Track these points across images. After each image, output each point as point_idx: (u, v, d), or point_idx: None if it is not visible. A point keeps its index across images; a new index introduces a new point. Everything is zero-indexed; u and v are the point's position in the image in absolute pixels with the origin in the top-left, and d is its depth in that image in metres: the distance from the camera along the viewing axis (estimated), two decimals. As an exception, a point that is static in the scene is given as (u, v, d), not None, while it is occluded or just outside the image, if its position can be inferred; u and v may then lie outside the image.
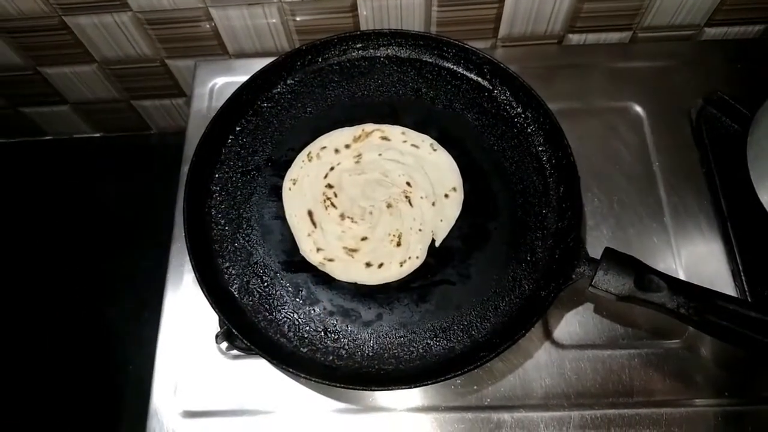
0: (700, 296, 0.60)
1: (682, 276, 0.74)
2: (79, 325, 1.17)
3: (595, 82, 0.86)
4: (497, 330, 0.67)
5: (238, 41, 0.93)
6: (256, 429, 0.68)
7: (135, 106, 1.14)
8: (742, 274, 0.72)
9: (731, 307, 0.59)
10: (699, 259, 0.75)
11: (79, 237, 1.22)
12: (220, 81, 0.89)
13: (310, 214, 0.74)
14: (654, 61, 0.88)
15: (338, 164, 0.76)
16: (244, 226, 0.73)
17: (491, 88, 0.79)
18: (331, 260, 0.71)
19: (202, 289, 0.65)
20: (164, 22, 0.89)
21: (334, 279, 0.70)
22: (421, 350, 0.67)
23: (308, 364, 0.65)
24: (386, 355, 0.67)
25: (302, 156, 0.77)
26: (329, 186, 0.75)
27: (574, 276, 0.64)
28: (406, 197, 0.74)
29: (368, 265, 0.71)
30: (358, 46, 0.81)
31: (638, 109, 0.84)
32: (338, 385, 0.62)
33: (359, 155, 0.77)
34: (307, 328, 0.68)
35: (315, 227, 0.73)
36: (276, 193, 0.75)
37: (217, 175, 0.76)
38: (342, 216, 0.74)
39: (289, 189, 0.75)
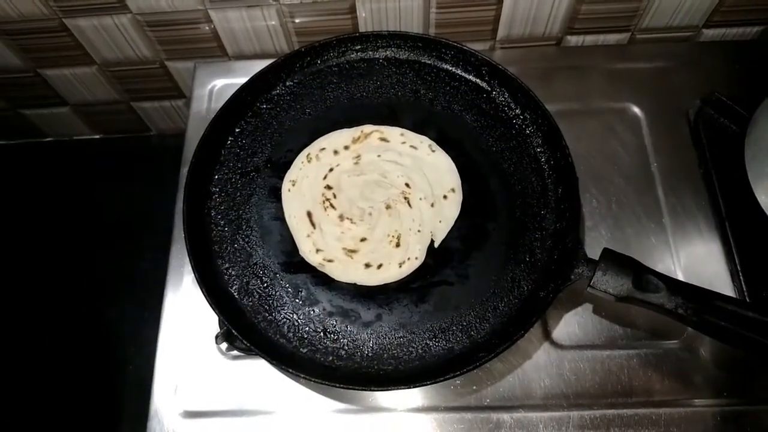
0: (698, 297, 0.60)
1: (680, 276, 0.74)
2: (79, 326, 1.17)
3: (593, 84, 0.87)
4: (496, 330, 0.67)
5: (237, 43, 0.93)
6: (256, 429, 0.68)
7: (135, 107, 1.14)
8: (740, 274, 0.72)
9: (729, 307, 0.59)
10: (697, 259, 0.75)
11: (79, 238, 1.22)
12: (219, 83, 0.89)
13: (309, 215, 0.74)
14: (652, 63, 0.88)
15: (337, 165, 0.76)
16: (244, 227, 0.73)
17: (490, 89, 0.79)
18: (330, 261, 0.71)
19: (201, 290, 0.65)
20: (163, 24, 0.89)
21: (333, 280, 0.71)
22: (420, 351, 0.67)
23: (308, 365, 0.65)
24: (385, 355, 0.67)
25: (301, 157, 0.77)
26: (328, 187, 0.75)
27: (572, 277, 0.64)
28: (405, 198, 0.74)
29: (367, 265, 0.71)
30: (356, 47, 0.81)
31: (636, 110, 0.85)
32: (338, 385, 0.63)
33: (358, 156, 0.77)
34: (307, 328, 0.68)
35: (314, 228, 0.73)
36: (275, 194, 0.75)
37: (216, 177, 0.76)
38: (341, 217, 0.74)
39: (288, 190, 0.75)
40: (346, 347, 0.67)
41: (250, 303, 0.69)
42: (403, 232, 0.73)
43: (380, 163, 0.76)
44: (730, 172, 0.76)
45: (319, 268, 0.71)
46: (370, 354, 0.67)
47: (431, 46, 0.80)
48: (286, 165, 0.77)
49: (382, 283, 0.70)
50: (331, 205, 0.74)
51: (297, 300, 0.70)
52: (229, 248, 0.72)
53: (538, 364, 0.70)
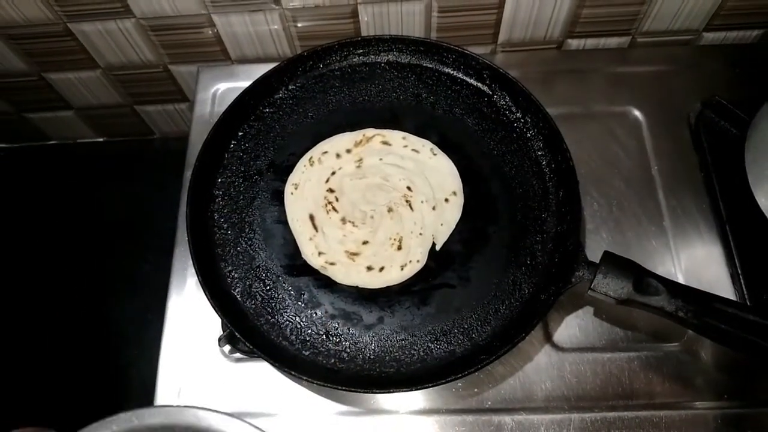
0: (698, 299, 0.61)
1: (681, 279, 0.74)
2: (82, 328, 1.17)
3: (594, 87, 0.87)
4: (497, 333, 0.68)
5: (240, 47, 0.94)
6: None
7: (138, 111, 1.15)
8: (740, 277, 0.72)
9: (730, 310, 0.60)
10: (698, 262, 0.75)
11: (83, 241, 1.23)
12: (222, 86, 0.90)
13: (311, 218, 0.74)
14: (653, 66, 0.89)
15: (339, 169, 0.77)
16: (247, 230, 0.74)
17: (491, 93, 0.80)
18: (332, 264, 0.72)
19: (205, 293, 0.66)
20: (167, 29, 0.90)
21: (335, 282, 0.71)
22: (422, 353, 0.67)
23: (310, 367, 0.66)
24: (387, 358, 0.67)
25: (304, 161, 0.77)
26: (330, 190, 0.76)
27: (573, 279, 0.65)
28: (407, 201, 0.75)
29: (369, 268, 0.71)
30: (359, 51, 0.82)
31: (637, 113, 0.85)
32: (340, 387, 0.63)
33: (360, 160, 0.77)
34: (309, 331, 0.68)
35: (316, 231, 0.73)
36: (278, 197, 0.76)
37: (219, 180, 0.76)
38: (343, 220, 0.74)
39: (291, 193, 0.76)
40: (348, 350, 0.68)
41: (253, 306, 0.70)
42: (405, 235, 0.73)
43: (382, 166, 0.77)
44: (730, 175, 0.76)
45: (321, 271, 0.72)
46: (372, 356, 0.67)
47: (433, 50, 0.81)
48: (289, 168, 0.77)
49: (383, 285, 0.71)
50: (334, 209, 0.75)
51: (299, 303, 0.70)
52: (232, 251, 0.73)
53: (539, 367, 0.70)
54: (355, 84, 0.82)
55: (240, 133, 0.79)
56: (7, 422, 0.57)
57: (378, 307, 0.70)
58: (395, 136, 0.79)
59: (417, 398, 0.70)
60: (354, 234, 0.74)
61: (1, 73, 1.01)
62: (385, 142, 0.78)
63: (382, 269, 0.71)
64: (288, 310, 0.70)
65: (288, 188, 0.76)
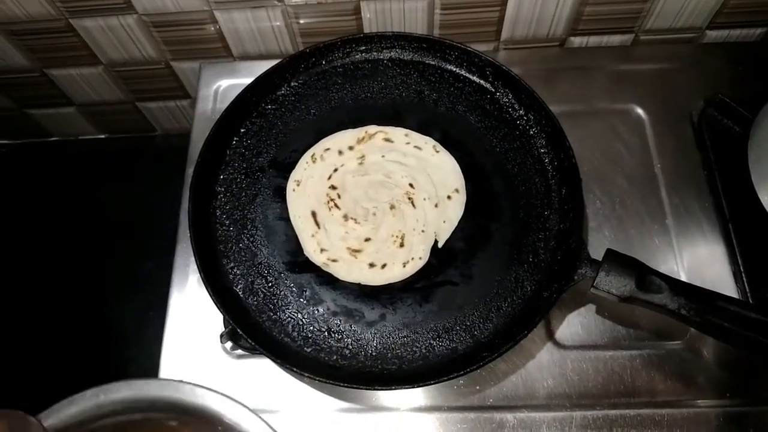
0: (701, 297, 0.61)
1: (683, 277, 0.74)
2: (83, 325, 1.17)
3: (597, 85, 0.87)
4: (500, 331, 0.68)
5: (242, 44, 0.94)
6: (260, 428, 0.68)
7: (140, 107, 1.15)
8: (743, 275, 0.72)
9: (732, 308, 0.60)
10: (700, 260, 0.75)
11: (84, 238, 1.23)
12: (224, 83, 0.90)
13: (313, 215, 0.74)
14: (656, 64, 0.89)
15: (342, 166, 0.77)
16: (249, 226, 0.74)
17: (494, 90, 0.80)
18: (334, 261, 0.71)
19: (207, 289, 0.66)
20: (169, 25, 0.90)
21: (337, 279, 0.71)
22: (424, 350, 0.67)
23: (312, 364, 0.66)
24: (389, 355, 0.67)
25: (306, 157, 0.77)
26: (333, 187, 0.76)
27: (576, 277, 0.64)
28: (409, 199, 0.75)
29: (371, 265, 0.71)
30: (361, 48, 0.82)
31: (640, 111, 0.85)
32: (342, 384, 0.63)
33: (362, 157, 0.77)
34: (311, 328, 0.68)
35: (319, 228, 0.73)
36: (280, 194, 0.76)
37: (221, 177, 0.76)
38: (345, 217, 0.74)
39: (293, 190, 0.76)
40: (350, 347, 0.68)
41: (255, 302, 0.70)
42: (407, 232, 0.73)
43: (384, 163, 0.77)
44: (733, 173, 0.76)
45: (323, 268, 0.71)
46: (374, 353, 0.67)
47: (435, 47, 0.80)
48: (291, 165, 0.77)
49: (386, 282, 0.71)
50: (336, 205, 0.75)
51: (301, 299, 0.70)
52: (234, 248, 0.73)
53: (541, 365, 0.70)
54: (357, 81, 0.82)
55: (242, 130, 0.79)
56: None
57: (380, 304, 0.70)
58: (398, 133, 0.78)
59: (419, 395, 0.70)
60: (356, 231, 0.73)
61: (2, 69, 1.00)
62: (387, 139, 0.78)
63: (384, 266, 0.71)
64: (290, 307, 0.70)
65: (290, 185, 0.76)
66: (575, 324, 0.72)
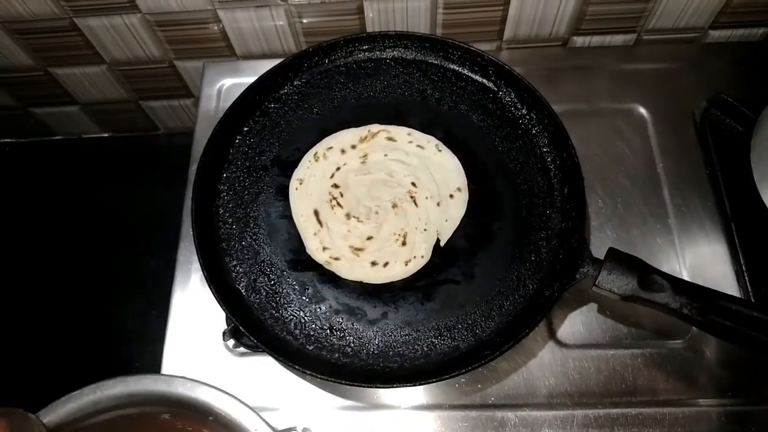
0: (703, 296, 0.61)
1: (685, 277, 0.74)
2: (86, 323, 1.18)
3: (599, 84, 0.87)
4: (501, 329, 0.68)
5: (245, 43, 0.94)
6: (262, 425, 0.68)
7: (143, 106, 1.15)
8: (745, 274, 0.73)
9: (734, 307, 0.60)
10: (703, 260, 0.75)
11: (87, 236, 1.23)
12: (227, 82, 0.90)
13: (316, 213, 0.74)
14: (658, 63, 0.89)
15: (344, 164, 0.77)
16: (252, 225, 0.74)
17: (496, 89, 0.80)
18: (337, 259, 0.72)
19: (210, 287, 0.66)
20: (173, 24, 0.90)
21: (339, 278, 0.71)
22: (425, 348, 0.67)
23: (314, 362, 0.66)
24: (391, 353, 0.67)
25: (309, 156, 0.78)
26: (335, 186, 0.76)
27: (578, 276, 0.64)
28: (411, 197, 0.75)
29: (374, 264, 0.72)
30: (364, 47, 0.82)
31: (642, 110, 0.85)
32: (344, 382, 0.63)
33: (365, 156, 0.77)
34: (313, 326, 0.69)
35: (321, 226, 0.73)
36: (283, 192, 0.76)
37: (224, 175, 0.77)
38: (348, 215, 0.74)
39: (296, 188, 0.76)
40: (352, 345, 0.68)
41: (258, 300, 0.70)
42: (409, 231, 0.73)
43: (387, 162, 0.77)
44: (735, 173, 0.76)
45: (325, 266, 0.72)
46: (375, 351, 0.67)
47: (438, 47, 0.81)
48: (294, 164, 0.77)
49: (388, 281, 0.71)
50: (338, 204, 0.75)
51: (304, 297, 0.70)
52: (236, 246, 0.73)
53: (543, 363, 0.70)
54: (360, 80, 0.82)
55: (245, 129, 0.79)
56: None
57: (382, 302, 0.70)
58: (400, 132, 0.79)
59: (420, 393, 0.70)
60: (358, 229, 0.74)
61: (7, 67, 1.01)
62: (390, 138, 0.78)
63: (386, 265, 0.71)
64: (292, 305, 0.70)
65: (293, 183, 0.76)
66: (577, 323, 0.73)
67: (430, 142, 0.78)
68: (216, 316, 0.72)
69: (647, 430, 0.67)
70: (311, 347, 0.68)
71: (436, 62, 0.82)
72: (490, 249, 0.72)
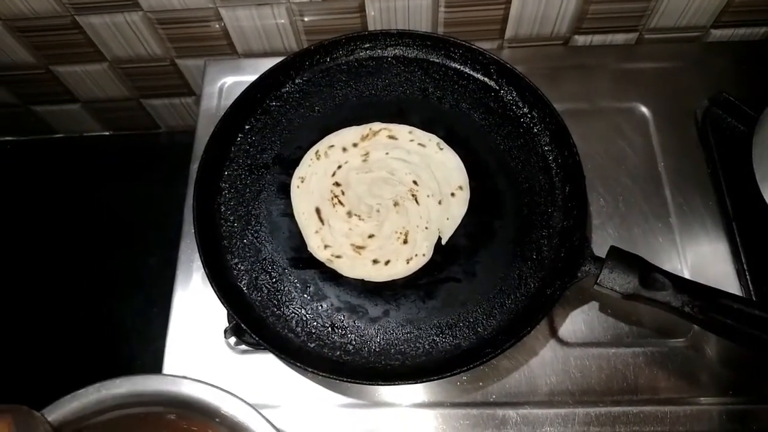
0: (704, 295, 0.61)
1: (687, 275, 0.74)
2: (88, 321, 1.18)
3: (601, 83, 0.87)
4: (503, 327, 0.68)
5: (247, 41, 0.94)
6: (263, 423, 0.68)
7: (145, 104, 1.15)
8: (746, 273, 0.72)
9: (736, 305, 0.60)
10: (704, 258, 0.75)
11: (88, 234, 1.23)
12: (229, 80, 0.90)
13: (317, 211, 0.74)
14: (660, 62, 0.89)
15: (346, 162, 0.77)
16: (253, 222, 0.74)
17: (498, 88, 0.80)
18: (338, 257, 0.72)
19: (211, 285, 0.66)
20: (174, 22, 0.90)
21: (341, 275, 0.71)
22: (427, 346, 0.67)
23: (316, 359, 0.66)
24: (393, 350, 0.67)
25: (310, 154, 0.78)
26: (337, 184, 0.76)
27: (579, 274, 0.65)
28: (413, 195, 0.75)
29: (375, 262, 0.72)
30: (365, 46, 0.82)
31: (644, 109, 0.85)
32: (345, 379, 0.63)
33: (366, 154, 0.77)
34: (315, 323, 0.69)
35: (322, 224, 0.74)
36: (284, 190, 0.76)
37: (226, 173, 0.77)
38: (349, 213, 0.74)
39: (297, 187, 0.76)
40: (353, 342, 0.68)
41: (259, 298, 0.70)
42: (411, 229, 0.73)
43: (388, 160, 0.77)
44: (737, 171, 0.76)
45: (327, 264, 0.72)
46: (377, 349, 0.67)
47: (440, 45, 0.81)
48: (295, 162, 0.77)
49: (389, 279, 0.71)
50: (340, 202, 0.75)
51: (305, 295, 0.70)
52: (238, 244, 0.73)
53: (544, 361, 0.70)
54: (361, 78, 0.82)
55: (247, 127, 0.79)
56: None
57: (383, 300, 0.70)
58: (402, 131, 0.79)
59: (421, 391, 0.70)
60: (360, 227, 0.74)
61: (8, 65, 1.01)
62: (391, 136, 0.78)
63: (387, 263, 0.71)
64: (294, 303, 0.70)
65: (294, 181, 0.76)
66: (578, 321, 0.73)
67: (431, 140, 0.78)
68: (217, 314, 0.72)
69: (648, 429, 0.67)
70: (313, 345, 0.68)
71: (437, 61, 0.82)
72: (492, 247, 0.72)
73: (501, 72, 0.79)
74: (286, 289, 0.71)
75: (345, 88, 0.81)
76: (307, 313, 0.69)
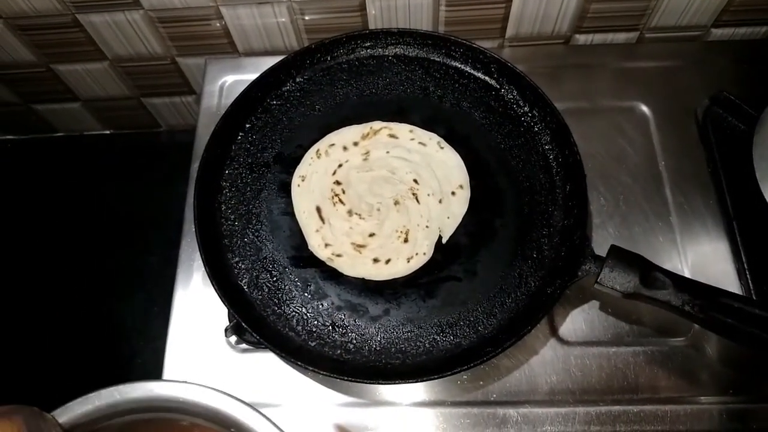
0: (704, 294, 0.61)
1: (687, 274, 0.74)
2: (89, 320, 1.18)
3: (601, 82, 0.87)
4: (503, 326, 0.68)
5: (247, 40, 0.94)
6: (264, 422, 0.68)
7: (145, 103, 1.15)
8: (747, 272, 0.73)
9: (736, 304, 0.60)
10: (704, 257, 0.75)
11: (89, 233, 1.23)
12: (229, 79, 0.90)
13: (318, 210, 0.74)
14: (661, 61, 0.89)
15: (346, 161, 0.77)
16: (254, 221, 0.74)
17: (498, 87, 0.80)
18: (339, 256, 0.72)
19: (212, 283, 0.66)
20: (175, 21, 0.90)
21: (342, 274, 0.71)
22: (427, 345, 0.67)
23: (316, 358, 0.66)
24: (393, 349, 0.67)
25: (311, 153, 0.78)
26: (337, 183, 0.76)
27: (579, 273, 0.65)
28: (413, 194, 0.75)
29: (376, 260, 0.72)
30: (366, 45, 0.82)
31: (644, 108, 0.85)
32: (346, 378, 0.63)
33: (367, 152, 0.77)
34: (316, 322, 0.69)
35: (323, 223, 0.74)
36: (285, 189, 0.76)
37: (227, 172, 0.77)
38: (350, 212, 0.74)
39: (298, 185, 0.76)
40: (354, 341, 0.68)
41: (260, 296, 0.70)
42: (411, 228, 0.73)
43: (389, 159, 0.77)
44: (738, 171, 0.76)
45: (327, 263, 0.72)
46: (377, 348, 0.67)
47: (440, 44, 0.81)
48: (296, 160, 0.77)
49: (390, 278, 0.71)
50: (340, 201, 0.75)
51: (306, 294, 0.70)
52: (239, 242, 0.73)
53: (545, 360, 0.70)
54: (362, 77, 0.82)
55: (247, 125, 0.79)
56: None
57: (384, 299, 0.70)
58: (402, 129, 0.79)
59: (422, 390, 0.70)
60: (360, 226, 0.74)
61: (9, 63, 1.01)
62: (392, 135, 0.78)
63: (388, 261, 0.71)
64: (294, 301, 0.70)
65: (295, 180, 0.76)
66: (579, 320, 0.73)
67: (432, 139, 0.78)
68: (218, 313, 0.72)
69: (649, 428, 0.67)
70: (313, 344, 0.68)
71: (438, 59, 0.82)
72: (492, 246, 0.72)
73: (502, 71, 0.79)
74: (286, 287, 0.71)
75: (346, 87, 0.81)
76: (308, 312, 0.69)
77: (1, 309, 1.16)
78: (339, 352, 0.67)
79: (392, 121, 0.79)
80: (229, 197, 0.75)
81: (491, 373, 0.70)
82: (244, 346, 0.72)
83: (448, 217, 0.74)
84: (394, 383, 0.66)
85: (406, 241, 0.72)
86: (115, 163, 1.26)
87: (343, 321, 0.69)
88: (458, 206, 0.74)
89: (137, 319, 1.16)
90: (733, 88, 0.81)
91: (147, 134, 1.25)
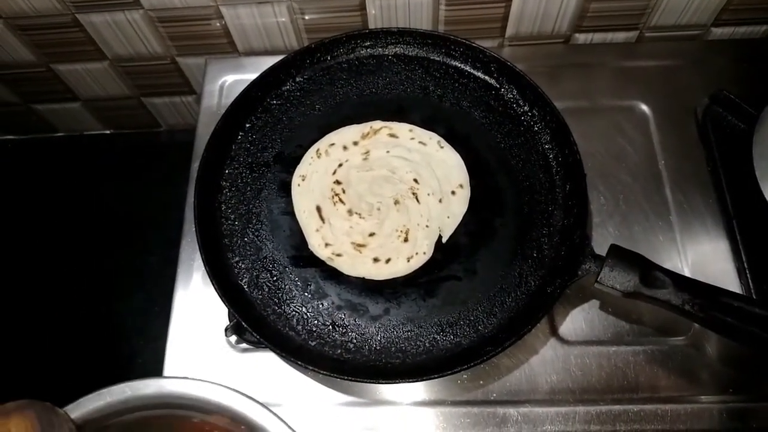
0: (704, 293, 0.61)
1: (687, 273, 0.74)
2: (89, 319, 1.18)
3: (601, 81, 0.87)
4: (503, 325, 0.68)
5: (247, 39, 0.94)
6: (264, 421, 0.69)
7: (145, 103, 1.15)
8: (747, 271, 0.72)
9: (736, 303, 0.60)
10: (704, 257, 0.75)
11: (89, 233, 1.23)
12: (229, 78, 0.90)
13: (318, 209, 0.74)
14: (660, 61, 0.89)
15: (346, 161, 0.77)
16: (254, 221, 0.74)
17: (498, 86, 0.80)
18: (339, 255, 0.72)
19: (212, 283, 0.66)
20: (175, 20, 0.90)
21: (342, 274, 0.71)
22: (427, 344, 0.67)
23: (316, 358, 0.66)
24: (393, 349, 0.67)
25: (311, 152, 0.78)
26: (337, 182, 0.76)
27: (579, 272, 0.65)
28: (413, 194, 0.75)
29: (376, 260, 0.72)
30: (366, 44, 0.82)
31: (644, 107, 0.85)
32: (346, 378, 0.63)
33: (367, 152, 0.77)
34: (316, 321, 0.69)
35: (323, 223, 0.74)
36: (285, 189, 0.76)
37: (227, 171, 0.77)
38: (350, 212, 0.74)
39: (298, 185, 0.76)
40: (354, 340, 0.68)
41: (260, 296, 0.70)
42: (411, 227, 0.73)
43: (389, 158, 0.77)
44: (737, 169, 0.76)
45: (328, 262, 0.72)
46: (378, 347, 0.67)
47: (440, 43, 0.81)
48: (296, 160, 0.77)
49: (390, 277, 0.71)
50: (340, 200, 0.75)
51: (306, 293, 0.70)
52: (239, 242, 0.73)
53: (545, 360, 0.71)
54: (362, 76, 0.82)
55: (247, 125, 0.79)
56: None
57: (384, 298, 0.70)
58: (402, 129, 0.79)
59: (422, 389, 0.70)
60: (360, 226, 0.74)
61: (9, 64, 1.01)
62: (392, 135, 0.78)
63: (388, 261, 0.72)
64: (294, 301, 0.70)
65: (295, 180, 0.76)
66: (579, 319, 0.73)
67: (432, 138, 0.78)
68: (218, 313, 0.72)
69: (649, 427, 0.67)
70: (313, 343, 0.68)
71: (438, 59, 0.82)
72: (492, 245, 0.72)
73: (501, 70, 0.79)
74: (286, 287, 0.71)
75: (346, 87, 0.81)
76: (308, 312, 0.69)
77: (1, 309, 1.16)
78: (339, 351, 0.67)
79: (392, 120, 0.79)
80: (230, 197, 0.75)
81: (491, 372, 0.70)
82: (244, 345, 0.72)
83: (448, 217, 0.74)
84: (395, 383, 0.66)
85: (406, 240, 0.73)
86: (115, 163, 1.26)
87: (343, 320, 0.69)
88: (458, 206, 0.74)
89: (137, 318, 1.16)
90: (732, 87, 0.81)
91: (147, 134, 1.25)
